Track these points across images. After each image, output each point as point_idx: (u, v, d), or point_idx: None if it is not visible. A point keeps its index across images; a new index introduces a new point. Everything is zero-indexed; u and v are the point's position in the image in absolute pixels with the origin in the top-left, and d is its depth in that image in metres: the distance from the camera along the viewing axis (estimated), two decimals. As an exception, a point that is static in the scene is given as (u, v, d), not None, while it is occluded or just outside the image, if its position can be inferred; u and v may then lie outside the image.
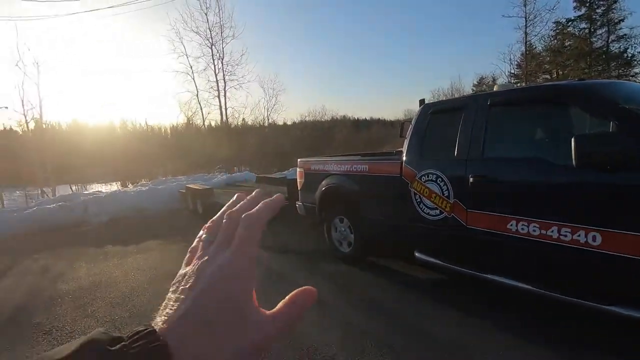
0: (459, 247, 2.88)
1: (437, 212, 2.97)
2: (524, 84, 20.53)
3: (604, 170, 1.97)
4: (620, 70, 20.03)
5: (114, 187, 19.89)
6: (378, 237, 3.73)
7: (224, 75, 20.95)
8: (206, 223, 0.34)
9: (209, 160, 19.02)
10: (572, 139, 1.95)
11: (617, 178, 1.95)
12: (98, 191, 11.97)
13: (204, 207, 7.83)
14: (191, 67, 21.24)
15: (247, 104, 33.04)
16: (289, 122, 28.84)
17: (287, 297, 0.30)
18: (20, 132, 20.73)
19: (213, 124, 24.01)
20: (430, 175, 3.01)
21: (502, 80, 24.71)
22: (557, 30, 21.10)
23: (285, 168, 15.78)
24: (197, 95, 21.31)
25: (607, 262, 2.01)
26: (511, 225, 2.46)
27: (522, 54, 23.82)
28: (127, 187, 14.89)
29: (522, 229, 2.40)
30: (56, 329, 3.12)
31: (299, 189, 4.96)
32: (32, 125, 17.76)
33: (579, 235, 2.14)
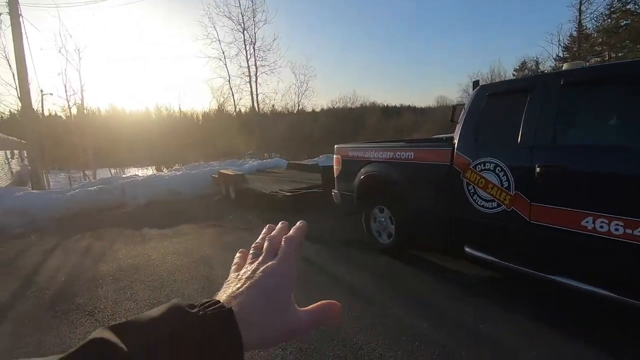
0: (518, 244, 2.61)
1: (494, 204, 2.70)
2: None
3: None
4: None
5: (150, 171, 20.57)
6: (422, 230, 3.49)
7: (255, 60, 20.85)
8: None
9: (240, 146, 19.21)
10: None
11: None
12: (135, 175, 12.36)
13: (236, 192, 7.84)
14: (223, 53, 21.31)
15: (278, 90, 32.93)
16: (319, 109, 28.62)
17: (317, 304, 0.37)
18: (64, 117, 21.78)
19: (244, 110, 24.21)
20: (487, 164, 2.73)
21: (550, 63, 23.13)
22: (613, 8, 19.30)
23: (315, 155, 15.63)
24: (229, 81, 21.41)
25: None
26: (586, 222, 2.17)
27: (570, 36, 22.08)
28: (162, 171, 15.30)
29: (601, 227, 2.10)
30: (98, 310, 3.15)
31: (335, 176, 4.77)
32: (74, 110, 18.57)
33: (676, 237, 1.83)
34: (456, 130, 3.10)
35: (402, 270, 3.54)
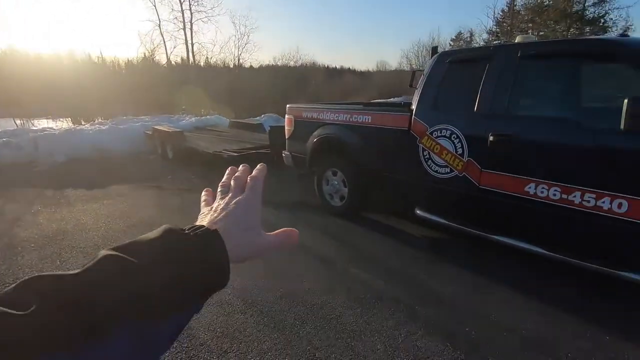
0: (467, 207, 2.81)
1: (447, 170, 2.84)
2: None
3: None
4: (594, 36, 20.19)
5: (65, 124, 18.04)
6: (376, 192, 3.59)
7: (190, 4, 18.84)
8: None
9: (173, 101, 17.61)
10: (626, 100, 1.80)
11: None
12: (49, 128, 10.81)
13: (174, 151, 7.28)
14: (151, -8, 18.80)
15: (217, 41, 30.43)
16: (261, 64, 27.03)
17: (279, 230, 0.45)
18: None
19: (177, 60, 22.05)
20: (443, 130, 2.82)
21: (484, 36, 24.44)
22: (539, -12, 20.69)
23: (256, 113, 14.99)
24: (159, 26, 19.18)
25: (633, 229, 1.99)
26: (529, 187, 2.38)
27: (502, 11, 23.45)
28: (80, 124, 13.54)
29: (542, 192, 2.33)
30: (22, 282, 2.77)
31: (286, 137, 4.63)
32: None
33: (603, 202, 2.09)
34: (415, 96, 3.13)
35: (355, 232, 3.64)
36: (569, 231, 2.29)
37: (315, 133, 4.05)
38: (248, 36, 23.20)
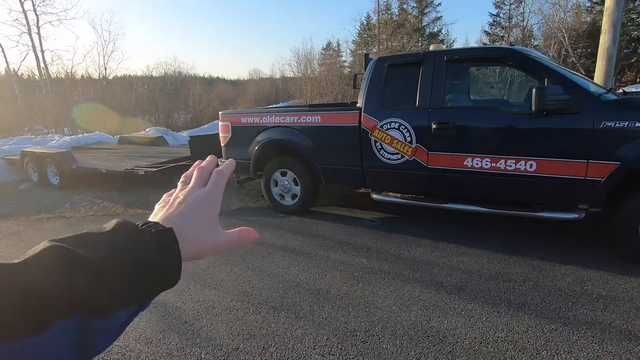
0: (419, 185, 3.37)
1: (399, 156, 3.35)
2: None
3: (545, 115, 2.68)
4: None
5: None
6: (331, 185, 3.90)
7: (33, 4, 15.70)
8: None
9: (23, 119, 14.39)
10: (534, 90, 2.56)
11: (555, 121, 2.70)
12: None
13: (62, 175, 6.19)
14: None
15: (77, 49, 25.95)
16: (134, 74, 24.21)
17: (237, 229, 0.44)
18: None
19: (25, 72, 17.98)
20: (392, 123, 3.33)
21: (350, 45, 27.28)
22: (387, 5, 24.39)
23: (135, 128, 13.59)
24: (-10, 28, 15.44)
25: (539, 181, 2.81)
26: (467, 161, 3.06)
27: (361, 24, 26.65)
28: None
29: (477, 164, 3.02)
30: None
31: (222, 145, 4.55)
32: None
33: (520, 165, 2.87)
34: (360, 95, 3.57)
35: (314, 225, 3.88)
36: (500, 190, 3.04)
37: (259, 137, 4.13)
38: (114, 43, 20.56)
